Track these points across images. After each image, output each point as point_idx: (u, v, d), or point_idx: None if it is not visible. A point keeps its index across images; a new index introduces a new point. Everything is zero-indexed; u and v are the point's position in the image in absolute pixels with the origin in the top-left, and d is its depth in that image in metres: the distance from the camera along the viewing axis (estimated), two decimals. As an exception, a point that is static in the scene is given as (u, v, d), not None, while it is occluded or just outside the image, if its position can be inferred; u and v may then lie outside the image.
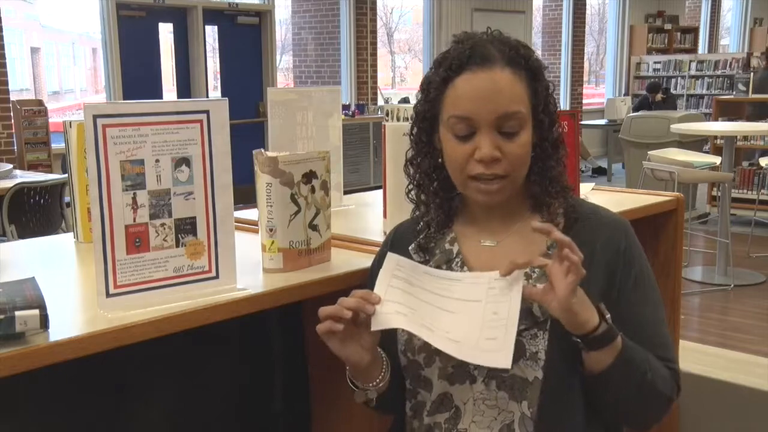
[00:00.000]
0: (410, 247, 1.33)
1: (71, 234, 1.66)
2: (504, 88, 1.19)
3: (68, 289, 1.32)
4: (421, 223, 1.34)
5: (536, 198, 1.27)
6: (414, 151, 1.33)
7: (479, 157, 1.19)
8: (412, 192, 1.35)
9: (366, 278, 1.40)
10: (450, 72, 1.21)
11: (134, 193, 1.13)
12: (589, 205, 1.33)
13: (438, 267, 1.28)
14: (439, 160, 1.28)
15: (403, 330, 1.26)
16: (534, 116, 1.23)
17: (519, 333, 1.17)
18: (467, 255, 1.29)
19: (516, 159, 1.21)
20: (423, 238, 1.32)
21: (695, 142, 7.52)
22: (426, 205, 1.33)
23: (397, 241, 1.37)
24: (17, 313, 0.98)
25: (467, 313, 1.16)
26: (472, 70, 1.20)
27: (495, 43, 1.23)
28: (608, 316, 1.15)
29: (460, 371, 1.21)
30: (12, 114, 7.01)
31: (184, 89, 8.50)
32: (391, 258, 1.22)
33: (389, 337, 1.31)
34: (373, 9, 10.29)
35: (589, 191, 2.04)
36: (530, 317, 1.19)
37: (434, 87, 1.24)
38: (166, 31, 8.48)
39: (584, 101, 13.94)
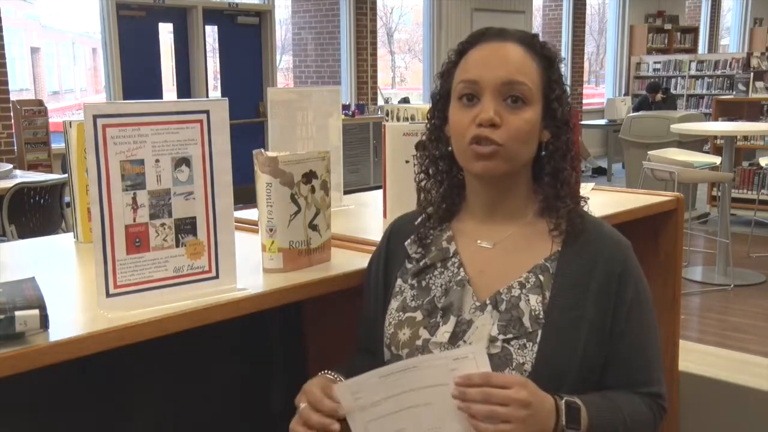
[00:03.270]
0: (406, 242, 1.32)
1: (71, 234, 1.66)
2: (513, 58, 1.20)
3: (68, 289, 1.32)
4: (422, 216, 1.33)
5: (547, 201, 1.25)
6: (426, 136, 1.32)
7: (479, 120, 1.18)
8: (420, 177, 1.33)
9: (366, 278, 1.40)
10: (465, 45, 1.25)
11: (134, 193, 1.13)
12: (593, 219, 1.29)
13: (433, 264, 1.28)
14: (449, 148, 1.27)
15: (389, 324, 1.27)
16: (546, 104, 1.22)
17: (507, 341, 1.17)
18: (463, 255, 1.28)
19: (515, 131, 1.18)
20: (421, 232, 1.31)
21: (695, 142, 7.52)
22: (429, 193, 1.32)
23: (395, 235, 1.36)
24: (17, 313, 0.98)
25: (442, 400, 1.09)
26: (486, 41, 1.23)
27: (513, 29, 1.26)
28: (564, 402, 1.12)
29: None
30: (12, 114, 7.01)
31: (184, 89, 8.50)
32: (342, 390, 1.14)
33: (373, 331, 1.31)
34: (373, 9, 10.29)
35: (589, 191, 2.04)
36: (520, 326, 1.18)
37: (449, 63, 1.27)
38: (166, 31, 8.48)
39: (584, 101, 13.94)
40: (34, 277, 1.11)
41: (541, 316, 1.18)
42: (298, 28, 10.48)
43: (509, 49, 1.21)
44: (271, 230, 1.36)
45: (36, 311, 0.99)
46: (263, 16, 9.12)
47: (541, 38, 1.26)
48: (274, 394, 1.70)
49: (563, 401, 1.12)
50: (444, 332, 1.20)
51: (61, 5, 12.43)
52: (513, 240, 1.26)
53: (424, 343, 1.21)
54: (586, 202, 1.29)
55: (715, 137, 7.27)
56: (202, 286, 1.21)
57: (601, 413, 1.16)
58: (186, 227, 1.19)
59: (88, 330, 1.06)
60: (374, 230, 1.70)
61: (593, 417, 1.14)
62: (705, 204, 7.52)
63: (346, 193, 2.07)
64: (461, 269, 1.26)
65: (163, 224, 1.16)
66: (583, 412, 1.13)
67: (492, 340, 1.18)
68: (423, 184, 1.33)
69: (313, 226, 1.40)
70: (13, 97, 7.20)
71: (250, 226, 1.62)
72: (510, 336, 1.17)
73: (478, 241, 1.28)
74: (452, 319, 1.21)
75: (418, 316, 1.25)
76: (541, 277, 1.21)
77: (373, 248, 1.51)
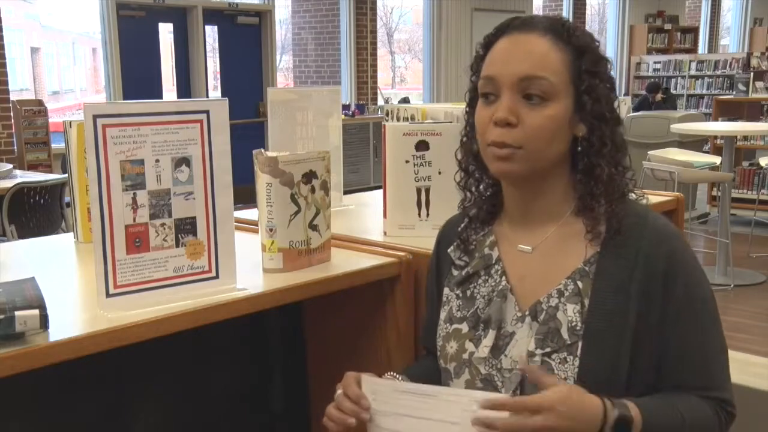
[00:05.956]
0: (449, 249, 1.27)
1: (71, 234, 1.66)
2: (533, 51, 1.12)
3: (68, 289, 1.32)
4: (465, 220, 1.27)
5: (583, 199, 1.16)
6: (462, 132, 1.26)
7: (494, 119, 1.12)
8: (460, 176, 1.27)
9: (366, 278, 1.40)
10: (490, 38, 1.18)
11: (134, 193, 1.13)
12: (638, 210, 1.18)
13: (476, 272, 1.23)
14: None
15: (438, 336, 1.25)
16: (576, 97, 1.13)
17: (547, 355, 1.11)
18: (506, 261, 1.21)
19: (533, 130, 1.10)
20: (463, 237, 1.26)
21: (695, 142, 7.51)
22: (469, 191, 1.26)
23: (442, 240, 1.32)
24: (17, 313, 0.98)
25: None
26: (511, 33, 1.16)
27: (542, 17, 1.19)
28: (616, 413, 1.03)
29: (488, 387, 1.16)
30: (12, 114, 7.01)
31: (184, 89, 8.50)
32: (365, 385, 1.15)
33: (431, 336, 1.29)
34: (373, 9, 10.29)
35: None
36: (558, 339, 1.11)
37: (477, 57, 1.20)
38: (166, 31, 8.49)
39: (584, 101, 13.92)
40: (34, 277, 1.11)
41: (578, 327, 1.10)
42: (298, 28, 10.48)
43: (531, 42, 1.13)
44: (271, 230, 1.36)
45: (36, 311, 0.99)
46: (263, 16, 9.12)
47: (577, 25, 1.18)
48: (274, 394, 1.70)
49: (615, 411, 1.03)
50: (484, 346, 1.16)
51: (61, 5, 12.44)
52: (551, 242, 1.19)
53: (470, 357, 1.18)
54: (631, 191, 1.19)
55: (715, 137, 7.27)
56: (202, 286, 1.21)
57: (656, 414, 1.07)
58: (186, 227, 1.18)
59: (88, 330, 1.06)
60: (374, 230, 1.70)
61: (648, 418, 1.06)
62: (705, 204, 7.52)
63: (346, 193, 2.07)
64: (503, 277, 1.20)
65: (163, 224, 1.16)
66: (636, 417, 1.05)
67: (530, 354, 1.12)
68: (463, 181, 1.27)
69: (313, 226, 1.40)
70: (13, 97, 7.20)
71: (250, 226, 1.62)
72: (548, 349, 1.11)
73: (518, 246, 1.21)
74: (491, 333, 1.16)
75: (464, 328, 1.21)
76: (580, 284, 1.13)
77: (373, 248, 1.51)
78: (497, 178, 1.22)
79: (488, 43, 1.18)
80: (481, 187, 1.26)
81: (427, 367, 1.29)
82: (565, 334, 1.11)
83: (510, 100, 1.12)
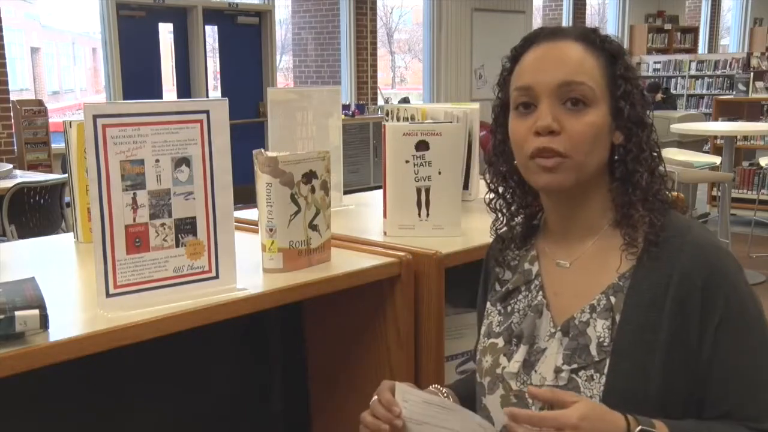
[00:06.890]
0: (490, 264, 1.27)
1: (71, 234, 1.66)
2: (570, 57, 1.10)
3: (68, 289, 1.32)
4: (507, 238, 1.25)
5: (621, 209, 1.13)
6: (491, 152, 1.22)
7: (536, 128, 1.08)
8: (490, 197, 1.25)
9: (366, 278, 1.40)
10: (518, 49, 1.16)
11: (134, 193, 1.13)
12: (681, 224, 1.13)
13: (516, 288, 1.21)
14: (515, 162, 1.16)
15: (477, 349, 1.24)
16: (612, 104, 1.10)
17: (575, 372, 1.09)
18: (544, 276, 1.19)
19: (577, 136, 1.07)
20: (506, 253, 1.25)
21: (695, 142, 7.53)
22: (501, 213, 1.24)
23: (490, 255, 1.30)
24: (17, 313, 0.98)
25: None
26: (542, 42, 1.13)
27: (571, 26, 1.17)
28: (639, 428, 0.99)
29: (520, 404, 1.13)
30: (12, 114, 7.01)
31: (184, 89, 8.51)
32: (398, 391, 1.13)
33: None
34: (373, 9, 10.30)
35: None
36: (587, 355, 1.08)
37: (504, 71, 1.17)
38: (166, 31, 8.49)
39: (584, 101, 13.94)
40: (34, 277, 1.11)
41: (606, 344, 1.07)
42: (298, 28, 10.49)
43: (565, 48, 1.11)
44: (271, 230, 1.36)
45: (36, 311, 0.99)
46: (263, 16, 9.13)
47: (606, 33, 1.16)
48: (274, 394, 1.70)
49: (639, 426, 1.00)
50: (515, 362, 1.15)
51: (61, 5, 12.45)
52: (589, 256, 1.16)
53: (503, 372, 1.16)
54: (672, 202, 1.16)
55: (715, 137, 7.27)
56: (202, 286, 1.21)
57: None
58: (186, 227, 1.19)
59: (88, 330, 1.06)
60: (374, 230, 1.70)
61: None
62: (705, 204, 7.52)
63: (346, 193, 2.07)
64: (540, 293, 1.18)
65: (163, 224, 1.16)
66: None
67: (557, 370, 1.10)
68: (493, 203, 1.25)
69: (313, 226, 1.40)
70: (13, 97, 7.20)
71: (250, 226, 1.62)
72: (575, 366, 1.08)
73: (557, 260, 1.19)
74: (522, 348, 1.15)
75: (500, 342, 1.19)
76: (613, 299, 1.10)
77: (373, 248, 1.51)
78: (542, 193, 1.18)
79: (516, 55, 1.16)
80: (513, 208, 1.23)
81: (471, 383, 1.27)
82: (593, 351, 1.08)
83: (551, 107, 1.09)
